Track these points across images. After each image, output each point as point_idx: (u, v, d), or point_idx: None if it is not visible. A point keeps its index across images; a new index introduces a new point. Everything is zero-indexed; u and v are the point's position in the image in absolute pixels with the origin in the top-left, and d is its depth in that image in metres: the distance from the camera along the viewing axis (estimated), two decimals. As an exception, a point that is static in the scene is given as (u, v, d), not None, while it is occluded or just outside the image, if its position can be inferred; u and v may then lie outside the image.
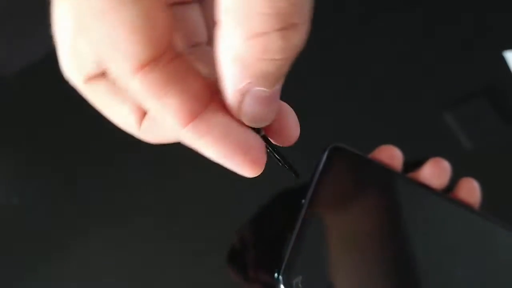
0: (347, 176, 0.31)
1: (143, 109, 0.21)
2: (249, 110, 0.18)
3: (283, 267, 0.28)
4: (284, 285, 0.28)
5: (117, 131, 0.44)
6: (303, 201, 0.30)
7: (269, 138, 0.21)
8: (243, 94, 0.18)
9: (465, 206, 0.32)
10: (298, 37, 0.16)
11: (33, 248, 0.41)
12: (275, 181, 0.37)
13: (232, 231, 0.40)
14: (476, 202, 0.32)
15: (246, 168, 0.19)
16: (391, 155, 0.32)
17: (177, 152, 0.43)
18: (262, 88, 0.18)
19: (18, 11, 0.47)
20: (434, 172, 0.32)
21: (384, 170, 0.32)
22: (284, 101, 0.21)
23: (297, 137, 0.21)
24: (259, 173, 0.19)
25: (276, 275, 0.28)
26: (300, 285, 0.27)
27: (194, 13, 0.23)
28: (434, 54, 0.46)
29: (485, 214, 0.31)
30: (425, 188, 0.32)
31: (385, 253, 0.30)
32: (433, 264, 0.30)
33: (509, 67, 0.46)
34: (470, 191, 0.32)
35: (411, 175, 0.33)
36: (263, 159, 0.19)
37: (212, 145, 0.18)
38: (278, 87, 0.18)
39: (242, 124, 0.19)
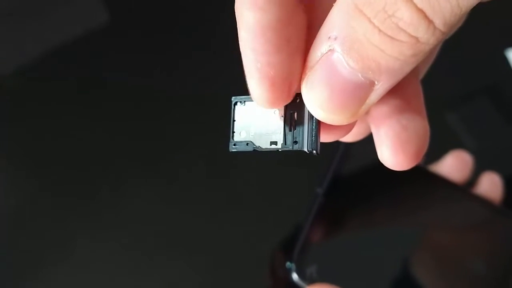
0: (365, 165, 0.30)
1: None
2: (316, 75, 0.15)
3: (295, 254, 0.27)
4: (297, 273, 0.27)
5: (117, 131, 0.43)
6: (318, 189, 0.29)
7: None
8: (329, 51, 0.15)
9: (485, 201, 0.31)
10: (432, 36, 0.14)
11: (32, 248, 0.40)
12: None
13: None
14: (497, 198, 0.31)
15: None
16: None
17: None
18: (348, 59, 0.14)
19: (17, 11, 0.46)
20: (455, 165, 0.31)
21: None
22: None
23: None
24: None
25: (288, 263, 0.27)
26: (315, 274, 0.26)
27: None
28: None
29: (507, 211, 0.31)
30: (445, 181, 0.31)
31: (401, 243, 0.29)
32: (451, 259, 0.29)
33: (511, 65, 0.45)
34: (492, 186, 0.31)
35: (431, 167, 0.32)
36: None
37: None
38: (370, 87, 0.15)
39: None
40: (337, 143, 0.29)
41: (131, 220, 0.40)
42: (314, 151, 0.17)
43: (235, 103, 0.18)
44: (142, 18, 0.47)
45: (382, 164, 0.30)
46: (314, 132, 0.17)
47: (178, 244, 0.40)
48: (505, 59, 0.46)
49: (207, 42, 0.46)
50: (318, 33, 0.15)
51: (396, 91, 0.16)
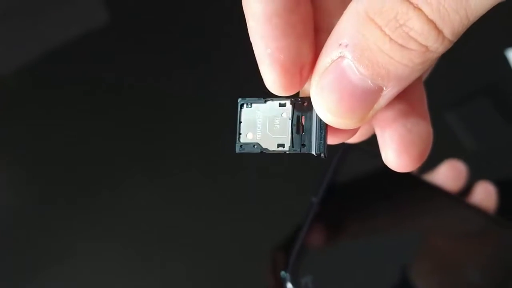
0: (360, 174, 0.30)
1: None
2: (326, 80, 0.16)
3: (290, 264, 0.27)
4: (292, 283, 0.27)
5: (117, 131, 0.43)
6: (313, 198, 0.29)
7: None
8: (339, 57, 0.15)
9: (480, 210, 0.31)
10: (441, 45, 0.14)
11: (32, 248, 0.40)
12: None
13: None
14: (491, 207, 0.31)
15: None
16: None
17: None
18: (358, 66, 0.15)
19: (17, 10, 0.46)
20: (450, 175, 0.31)
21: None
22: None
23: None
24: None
25: (282, 272, 0.27)
26: (310, 284, 0.26)
27: None
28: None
29: (501, 220, 0.31)
30: (440, 190, 0.31)
31: (397, 252, 0.29)
32: (447, 268, 0.29)
33: (511, 65, 0.45)
34: (486, 195, 0.32)
35: (426, 176, 0.32)
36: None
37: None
38: (378, 91, 0.15)
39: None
40: (336, 148, 0.29)
41: (131, 220, 0.40)
42: (322, 155, 0.17)
43: (242, 105, 0.18)
44: (142, 18, 0.47)
45: (377, 173, 0.31)
46: (322, 136, 0.17)
47: (178, 244, 0.40)
48: (505, 59, 0.45)
49: (208, 42, 0.46)
50: (328, 39, 0.16)
51: (402, 96, 0.17)
